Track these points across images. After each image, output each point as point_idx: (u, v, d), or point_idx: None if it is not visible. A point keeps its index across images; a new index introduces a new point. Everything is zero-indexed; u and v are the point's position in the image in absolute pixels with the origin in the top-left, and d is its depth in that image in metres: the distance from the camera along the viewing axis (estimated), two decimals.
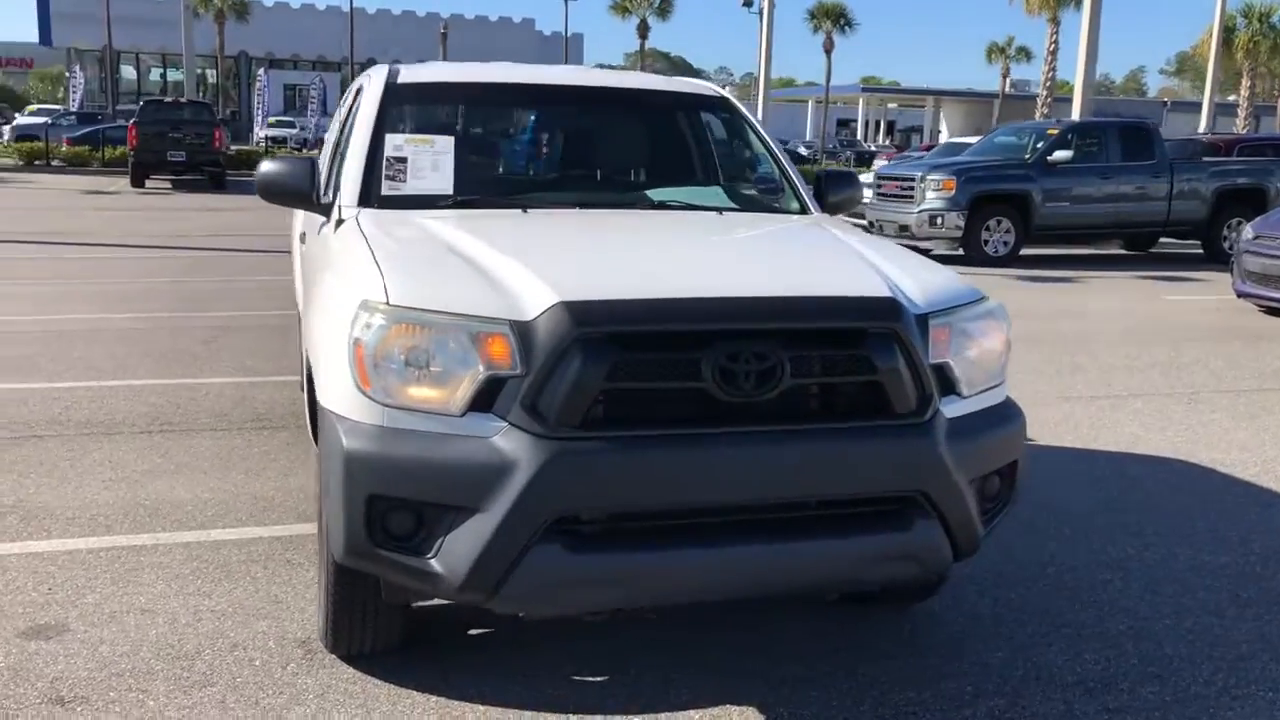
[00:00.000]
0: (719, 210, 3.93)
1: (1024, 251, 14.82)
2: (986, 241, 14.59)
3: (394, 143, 3.92)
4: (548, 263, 2.91)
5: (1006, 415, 3.19)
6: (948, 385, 3.00)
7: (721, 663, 3.36)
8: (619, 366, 2.60)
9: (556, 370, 2.57)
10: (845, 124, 75.80)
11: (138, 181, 24.53)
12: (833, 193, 4.33)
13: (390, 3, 63.93)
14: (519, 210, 3.67)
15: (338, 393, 2.75)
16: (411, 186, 3.79)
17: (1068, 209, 14.98)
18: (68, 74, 46.19)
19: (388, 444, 2.63)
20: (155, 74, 66.05)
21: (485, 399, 2.62)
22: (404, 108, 4.19)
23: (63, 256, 12.52)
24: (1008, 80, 63.84)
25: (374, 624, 3.10)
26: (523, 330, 2.61)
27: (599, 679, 3.24)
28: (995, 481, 3.14)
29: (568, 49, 59.64)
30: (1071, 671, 3.40)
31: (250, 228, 15.83)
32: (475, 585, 2.61)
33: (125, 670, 3.17)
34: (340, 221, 3.61)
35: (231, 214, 18.62)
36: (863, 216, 16.28)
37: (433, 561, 2.63)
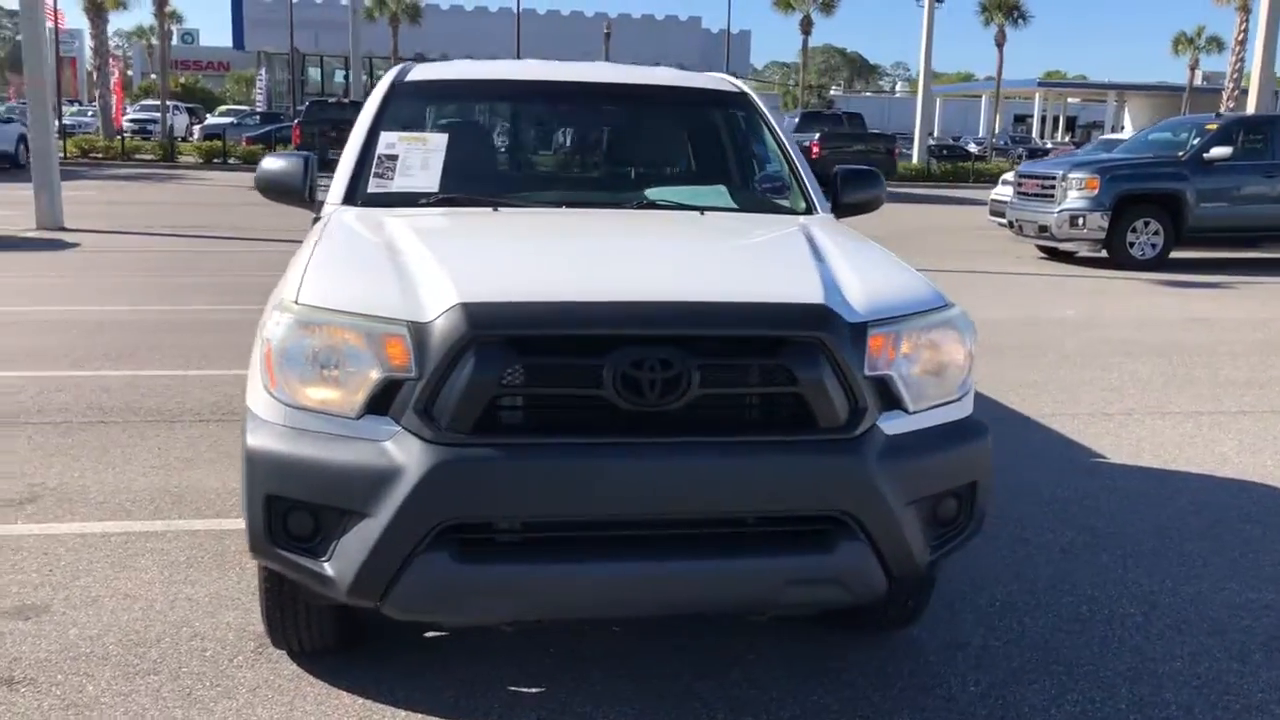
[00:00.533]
0: (702, 210, 3.78)
1: (1176, 255, 13.93)
2: (1132, 244, 13.77)
3: (387, 141, 3.93)
4: (467, 264, 2.85)
5: (965, 432, 2.96)
6: (891, 399, 2.80)
7: (670, 683, 3.22)
8: (515, 371, 2.52)
9: (451, 374, 2.51)
10: (1022, 120, 73.23)
11: None
12: (847, 193, 4.14)
13: (560, 3, 65.16)
14: (490, 209, 3.62)
15: (254, 391, 2.77)
16: (398, 184, 3.80)
17: (1226, 210, 13.99)
18: (256, 76, 48.70)
19: (286, 444, 2.62)
20: (339, 76, 68.96)
21: (382, 402, 2.58)
22: (406, 106, 4.21)
23: (203, 250, 13.19)
24: (1198, 72, 60.32)
25: (305, 621, 3.10)
26: (420, 332, 2.55)
27: (536, 690, 3.16)
28: (951, 505, 2.92)
29: (732, 46, 59.46)
30: (1045, 713, 3.13)
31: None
32: (363, 590, 2.58)
33: (82, 654, 3.27)
34: (317, 219, 3.64)
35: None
36: (1003, 215, 15.68)
37: (326, 564, 2.61)
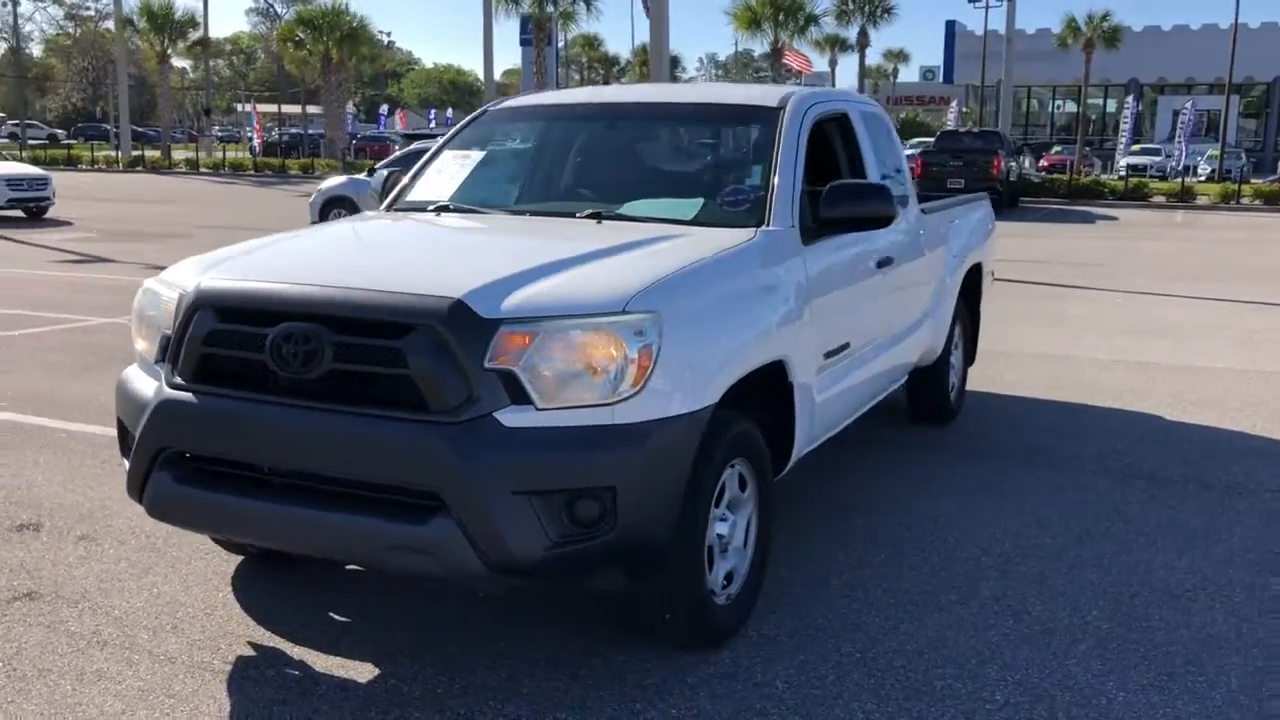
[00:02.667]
0: (600, 219, 4.22)
1: None
2: None
3: (443, 158, 4.98)
4: (257, 254, 3.77)
5: (607, 436, 3.11)
6: (518, 393, 3.07)
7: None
8: (215, 336, 3.34)
9: (182, 335, 3.41)
10: None
11: None
12: (828, 207, 4.25)
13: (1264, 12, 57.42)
14: (434, 214, 4.51)
15: None
16: (418, 194, 4.83)
17: None
18: (947, 109, 50.24)
19: (126, 379, 3.69)
20: (1053, 105, 68.16)
21: (165, 352, 3.50)
22: (483, 129, 5.16)
23: None
24: None
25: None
26: (180, 301, 3.48)
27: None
28: (591, 506, 3.09)
29: None
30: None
31: (1044, 254, 16.75)
32: (132, 490, 3.49)
33: None
34: None
35: (1015, 241, 19.30)
36: None
37: (125, 465, 3.59)
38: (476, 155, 4.95)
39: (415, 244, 4.21)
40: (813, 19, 36.55)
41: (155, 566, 4.30)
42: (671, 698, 3.37)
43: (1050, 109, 67.87)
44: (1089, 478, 5.70)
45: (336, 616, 3.94)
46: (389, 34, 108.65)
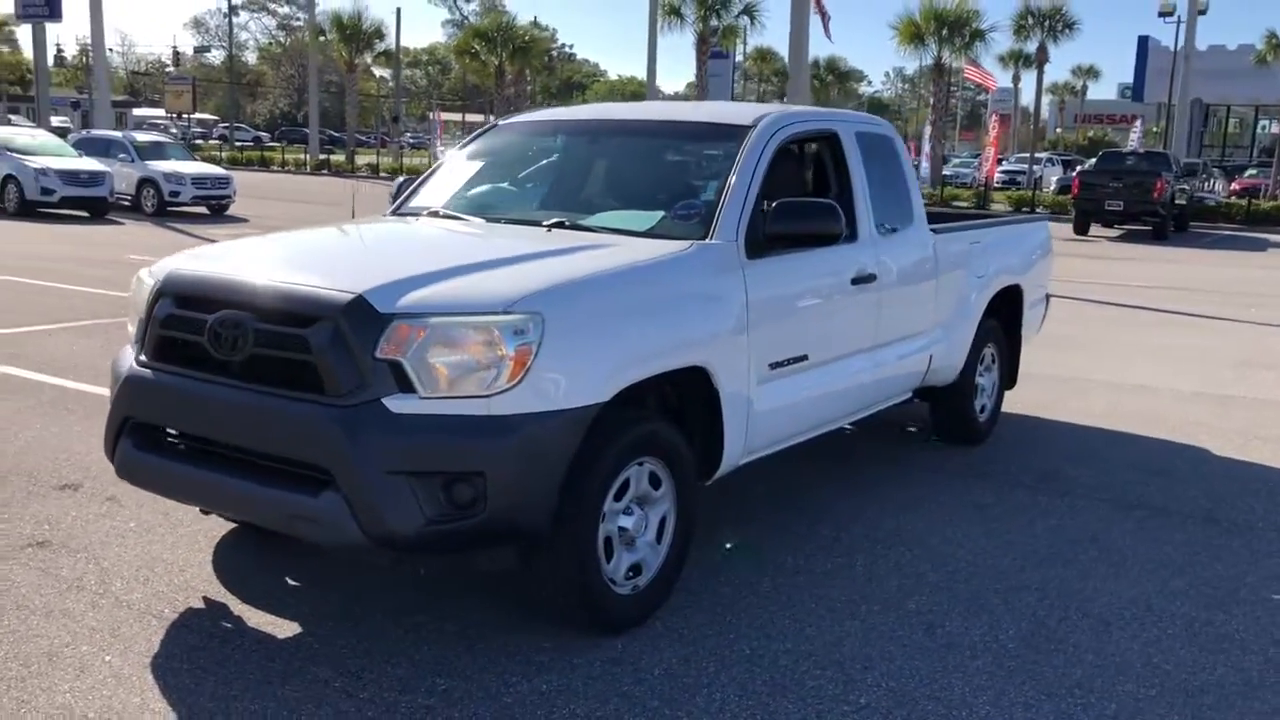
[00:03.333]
0: (561, 227, 4.52)
1: None
2: None
3: (450, 165, 5.37)
4: (222, 249, 4.24)
5: (480, 426, 3.38)
6: (405, 382, 3.38)
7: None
8: (169, 320, 3.81)
9: (148, 319, 3.91)
10: None
11: (1080, 229, 25.74)
12: (773, 223, 4.42)
13: None
14: (420, 219, 4.89)
15: None
16: (418, 199, 5.23)
17: None
18: (1132, 128, 48.14)
19: (114, 359, 4.17)
20: (1258, 126, 64.42)
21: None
22: (489, 142, 5.52)
23: None
24: None
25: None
26: (153, 290, 3.95)
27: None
28: (465, 490, 3.37)
29: None
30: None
31: (1191, 282, 16.27)
32: (107, 451, 3.98)
33: None
34: None
35: (1165, 266, 18.88)
36: None
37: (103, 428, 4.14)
38: (476, 165, 5.31)
39: (364, 245, 4.61)
40: (979, 34, 35.62)
41: (158, 528, 4.80)
42: (549, 675, 3.62)
43: (1254, 130, 64.16)
44: (1088, 505, 5.63)
45: (290, 581, 4.34)
46: (570, 47, 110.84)
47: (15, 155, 22.39)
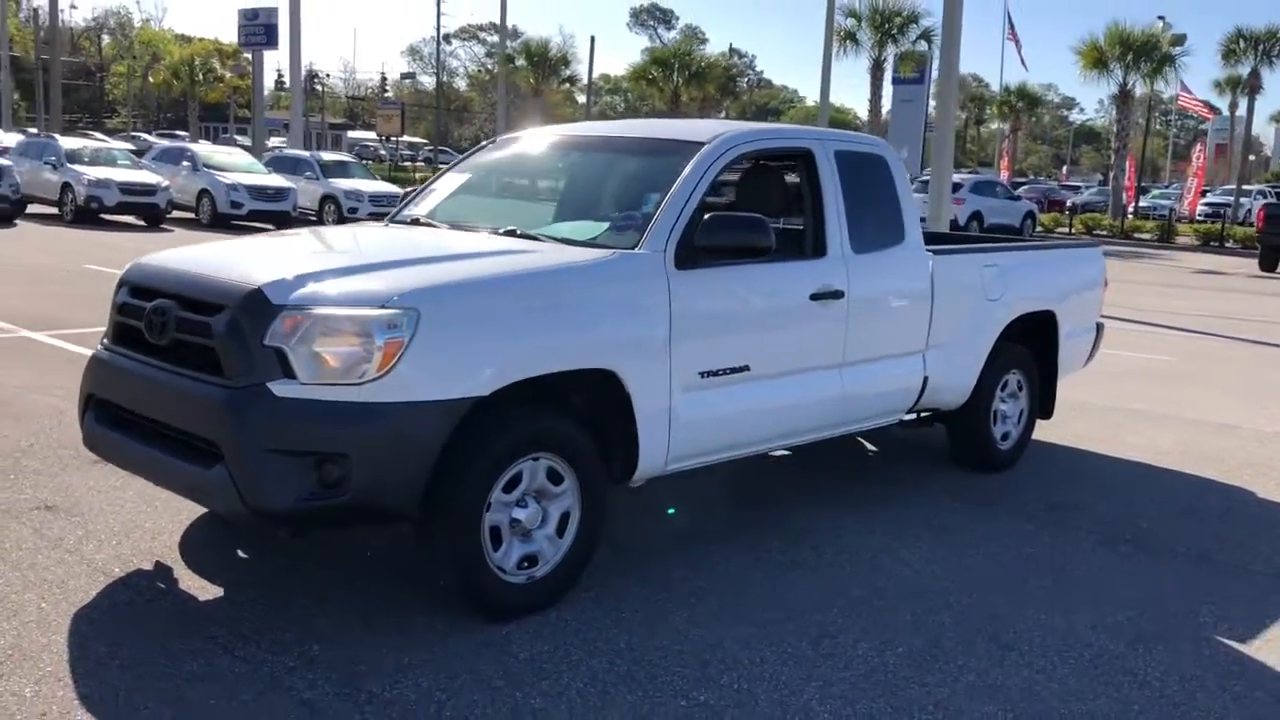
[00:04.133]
0: (498, 232, 4.80)
1: None
2: None
3: (445, 178, 5.73)
4: (198, 249, 4.66)
5: (346, 412, 3.65)
6: (287, 368, 3.68)
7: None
8: (123, 308, 4.29)
9: (111, 306, 4.42)
10: None
11: (1266, 265, 24.22)
12: (702, 236, 4.54)
13: None
14: (397, 225, 5.25)
15: None
16: (411, 208, 5.59)
17: None
18: None
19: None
20: None
21: None
22: (481, 156, 5.85)
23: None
24: None
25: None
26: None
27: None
28: (333, 470, 3.64)
29: None
30: None
31: None
32: (79, 422, 4.50)
33: None
34: None
35: None
36: None
37: None
38: (465, 178, 5.65)
39: (303, 247, 5.00)
40: (1168, 59, 33.83)
41: (158, 499, 5.27)
42: (419, 650, 3.84)
43: None
44: (1076, 538, 5.47)
45: (240, 554, 4.73)
46: (760, 72, 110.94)
47: (211, 171, 24.34)
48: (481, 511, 3.97)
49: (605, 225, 4.84)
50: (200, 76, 46.90)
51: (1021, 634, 4.27)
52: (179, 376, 3.93)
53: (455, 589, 4.02)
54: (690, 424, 4.62)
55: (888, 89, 33.77)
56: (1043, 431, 7.15)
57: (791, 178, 5.47)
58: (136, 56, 75.51)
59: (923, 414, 6.22)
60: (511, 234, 4.83)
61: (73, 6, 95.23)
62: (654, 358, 4.43)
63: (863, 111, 45.37)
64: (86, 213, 22.09)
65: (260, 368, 3.71)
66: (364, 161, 34.53)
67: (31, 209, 22.75)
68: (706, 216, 4.58)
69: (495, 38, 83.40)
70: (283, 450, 3.65)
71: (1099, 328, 7.39)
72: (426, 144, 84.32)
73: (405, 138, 74.67)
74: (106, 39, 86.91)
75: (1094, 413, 8.34)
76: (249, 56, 37.67)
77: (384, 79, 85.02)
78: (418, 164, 66.44)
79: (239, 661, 3.71)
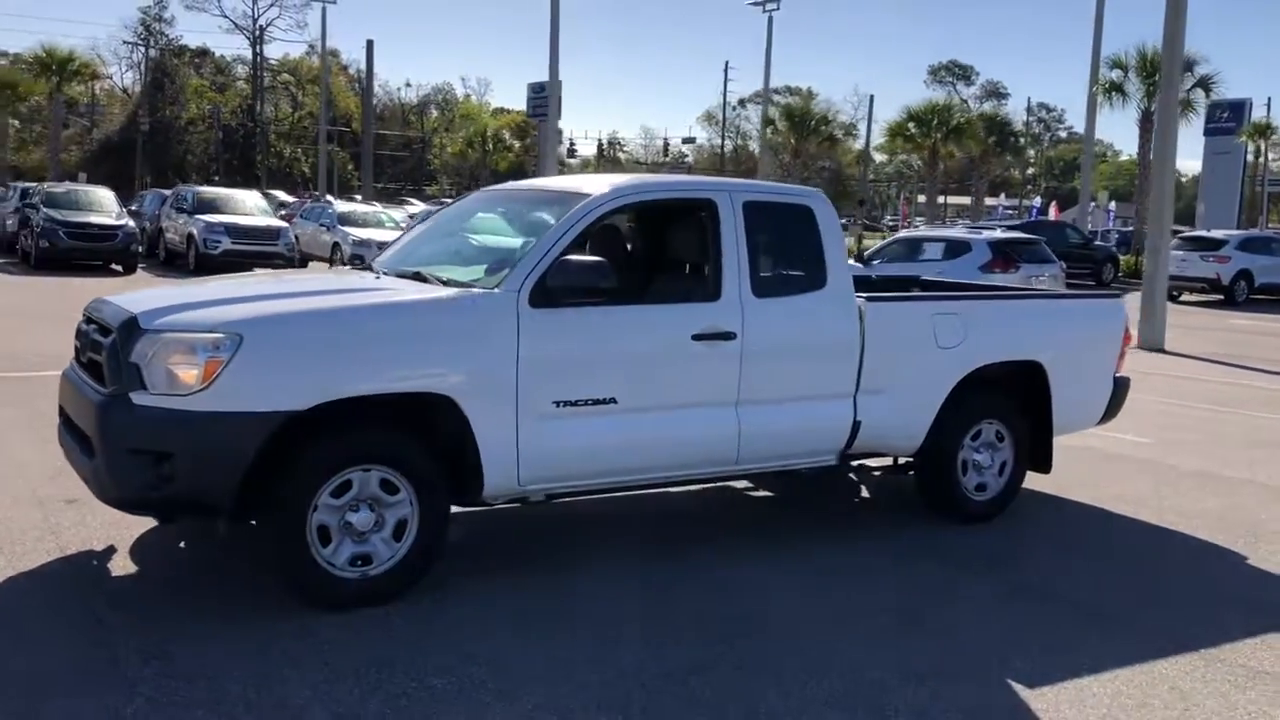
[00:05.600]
0: (404, 274, 5.51)
1: None
2: None
3: (418, 227, 6.48)
4: (150, 290, 5.57)
5: (177, 419, 4.38)
6: (142, 381, 4.45)
7: None
8: (78, 332, 5.22)
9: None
10: None
11: None
12: (551, 279, 5.03)
13: None
14: (346, 271, 6.00)
15: None
16: (376, 257, 6.36)
17: None
18: None
19: None
20: None
21: None
22: (459, 206, 6.59)
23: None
24: None
25: None
26: None
27: None
28: (166, 467, 4.39)
29: None
30: None
31: None
32: None
33: None
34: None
35: None
36: None
37: None
38: (424, 227, 6.38)
39: (222, 287, 5.75)
40: None
41: None
42: (247, 629, 4.44)
43: None
44: (978, 589, 5.41)
45: (181, 545, 5.58)
46: (1070, 126, 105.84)
47: (343, 229, 26.20)
48: (307, 511, 4.58)
49: (484, 268, 5.41)
50: (491, 146, 50.63)
51: (813, 683, 4.37)
52: (87, 387, 4.83)
53: (282, 580, 4.66)
54: (546, 450, 5.05)
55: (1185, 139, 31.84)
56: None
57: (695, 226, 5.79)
58: (456, 129, 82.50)
59: (900, 461, 6.37)
60: (416, 275, 5.48)
61: (406, 84, 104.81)
62: (496, 386, 4.90)
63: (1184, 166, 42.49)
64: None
65: (127, 380, 4.52)
66: None
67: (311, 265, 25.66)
68: (555, 261, 5.03)
69: (787, 99, 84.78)
70: (133, 449, 4.45)
71: (1120, 383, 7.10)
72: None
73: None
74: (435, 113, 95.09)
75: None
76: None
77: (666, 144, 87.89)
78: None
79: (94, 625, 4.51)
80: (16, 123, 53.09)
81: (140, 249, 23.06)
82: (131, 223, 22.88)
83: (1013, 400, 6.66)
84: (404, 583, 4.84)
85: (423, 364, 4.82)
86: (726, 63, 48.53)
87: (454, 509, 5.06)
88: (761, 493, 7.09)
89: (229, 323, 4.54)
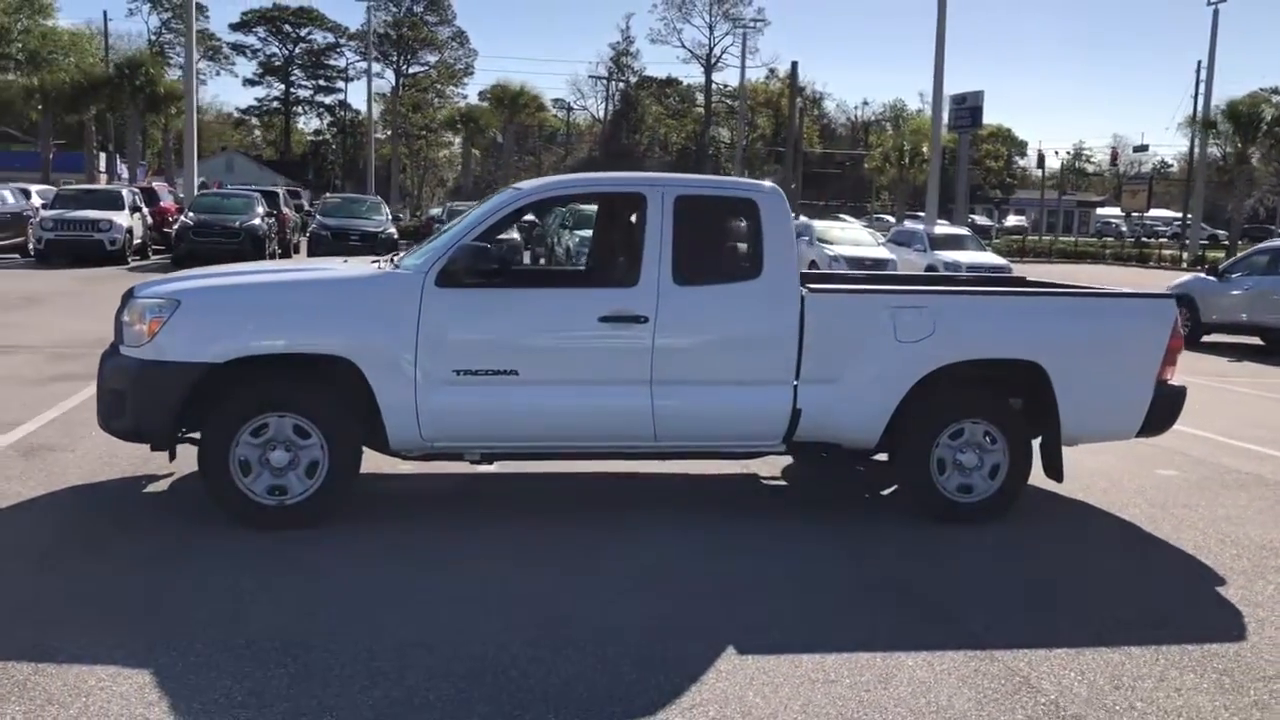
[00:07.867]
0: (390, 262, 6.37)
1: None
2: None
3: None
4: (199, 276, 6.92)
5: (130, 365, 5.62)
6: (125, 337, 5.77)
7: None
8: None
9: None
10: None
11: None
12: (454, 262, 5.70)
13: None
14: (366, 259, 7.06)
15: None
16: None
17: None
18: None
19: None
20: None
21: None
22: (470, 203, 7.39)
23: None
24: None
25: None
26: None
27: None
28: (123, 402, 5.69)
29: None
30: None
31: None
32: None
33: None
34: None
35: None
36: None
37: None
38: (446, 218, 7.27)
39: (246, 269, 6.93)
40: None
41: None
42: (169, 541, 5.65)
43: None
44: (881, 598, 5.21)
45: (147, 488, 6.86)
46: None
47: (821, 244, 27.03)
48: (229, 446, 5.65)
49: (424, 252, 6.19)
50: (908, 160, 49.78)
51: (541, 672, 4.77)
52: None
53: (213, 501, 5.77)
54: (445, 411, 5.76)
55: None
56: None
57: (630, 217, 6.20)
58: (906, 145, 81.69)
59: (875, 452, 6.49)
60: (389, 261, 6.43)
61: (864, 103, 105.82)
62: (395, 353, 5.68)
63: None
64: None
65: (122, 336, 5.88)
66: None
67: None
68: (460, 248, 5.73)
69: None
70: (110, 388, 5.79)
71: (1167, 391, 6.42)
72: (1179, 217, 79.06)
73: (1155, 211, 70.81)
74: (888, 129, 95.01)
75: None
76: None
77: (1115, 154, 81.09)
78: (1161, 239, 62.61)
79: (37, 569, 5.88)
80: (478, 152, 60.37)
81: None
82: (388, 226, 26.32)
83: (1006, 401, 6.32)
84: (316, 514, 5.76)
85: (325, 332, 5.71)
86: (1199, 63, 44.07)
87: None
88: (780, 481, 7.25)
89: (175, 291, 5.74)
